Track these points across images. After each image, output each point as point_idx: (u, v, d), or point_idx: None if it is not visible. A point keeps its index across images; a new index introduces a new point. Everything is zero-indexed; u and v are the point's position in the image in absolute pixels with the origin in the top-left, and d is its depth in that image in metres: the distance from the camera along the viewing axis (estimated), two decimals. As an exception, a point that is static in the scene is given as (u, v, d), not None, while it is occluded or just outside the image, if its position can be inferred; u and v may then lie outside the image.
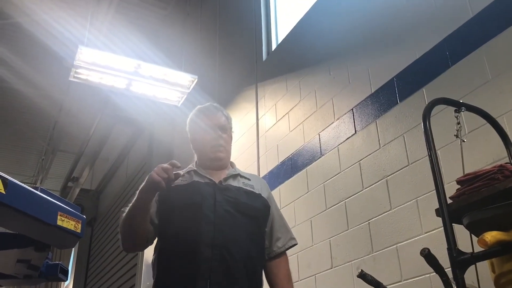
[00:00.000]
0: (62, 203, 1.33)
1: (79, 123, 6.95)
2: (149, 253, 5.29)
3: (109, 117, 6.17)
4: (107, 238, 7.27)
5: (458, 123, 1.73)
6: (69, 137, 7.81)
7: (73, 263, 8.84)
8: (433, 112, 1.72)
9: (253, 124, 4.05)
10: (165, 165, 1.59)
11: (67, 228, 1.29)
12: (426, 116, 1.66)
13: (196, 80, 4.41)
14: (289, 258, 1.92)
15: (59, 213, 1.28)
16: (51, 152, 8.08)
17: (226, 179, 1.84)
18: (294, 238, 1.92)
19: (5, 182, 1.11)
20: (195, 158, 1.96)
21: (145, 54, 4.40)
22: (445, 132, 2.11)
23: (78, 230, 1.34)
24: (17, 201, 1.13)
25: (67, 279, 1.68)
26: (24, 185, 1.19)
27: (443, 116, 2.15)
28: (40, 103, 7.06)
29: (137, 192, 1.66)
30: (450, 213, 1.46)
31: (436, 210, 1.53)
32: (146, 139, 6.22)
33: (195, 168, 1.88)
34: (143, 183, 1.64)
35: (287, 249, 1.89)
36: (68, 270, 1.71)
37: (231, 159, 2.00)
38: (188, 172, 1.87)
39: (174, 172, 1.59)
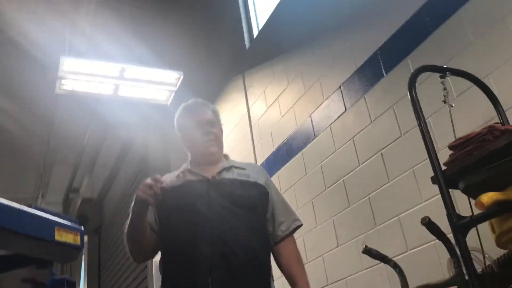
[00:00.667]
0: (58, 218, 1.32)
1: (72, 134, 6.91)
2: (158, 254, 5.30)
3: (101, 125, 6.15)
4: (115, 244, 7.29)
5: (445, 89, 1.73)
6: (64, 149, 7.78)
7: (84, 274, 8.86)
8: (419, 80, 1.72)
9: (244, 113, 4.04)
10: (148, 180, 1.59)
11: (66, 242, 1.29)
12: (412, 85, 1.66)
13: (182, 76, 4.38)
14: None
15: (56, 228, 1.27)
16: (48, 166, 8.05)
17: (219, 173, 1.82)
18: (298, 219, 1.89)
19: (-4, 204, 1.10)
20: (189, 157, 1.95)
21: (130, 54, 4.36)
22: (433, 99, 2.10)
23: (78, 242, 1.34)
24: (7, 221, 1.13)
25: (75, 291, 1.68)
26: (16, 205, 1.18)
27: (429, 84, 2.14)
28: (30, 119, 7.02)
29: (130, 211, 1.68)
30: (445, 179, 1.47)
31: (432, 178, 1.53)
32: (140, 141, 6.21)
33: (189, 167, 1.87)
34: (133, 203, 1.65)
35: (292, 231, 1.86)
36: (74, 282, 1.71)
37: (226, 152, 1.99)
38: (182, 172, 1.87)
39: (159, 186, 1.58)
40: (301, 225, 1.90)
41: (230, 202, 1.72)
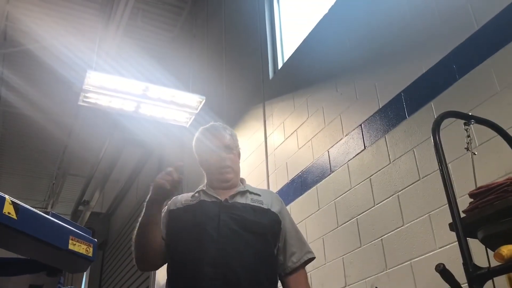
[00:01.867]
0: (73, 227, 1.33)
1: (88, 146, 7.00)
2: (160, 275, 5.26)
3: (118, 140, 6.21)
4: (119, 261, 7.25)
5: (468, 136, 1.72)
6: (79, 161, 7.87)
7: (85, 287, 8.80)
8: (442, 125, 1.71)
9: (261, 142, 4.05)
10: (169, 168, 1.64)
11: (78, 252, 1.29)
12: (436, 129, 1.66)
13: (204, 100, 4.43)
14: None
15: (70, 237, 1.28)
16: (61, 176, 8.13)
17: (233, 196, 1.81)
18: (310, 252, 1.85)
19: (17, 207, 1.12)
20: (205, 179, 1.96)
21: (153, 76, 4.44)
22: (455, 145, 2.10)
23: (90, 254, 1.34)
24: (29, 226, 1.13)
25: (79, 304, 1.67)
26: (36, 210, 1.19)
27: (452, 130, 2.14)
28: (49, 128, 7.13)
29: (144, 204, 1.67)
30: (464, 227, 1.44)
31: (450, 224, 1.51)
32: (155, 160, 6.25)
33: (204, 188, 1.88)
34: (148, 196, 1.66)
35: (304, 263, 1.82)
36: (80, 294, 1.70)
37: (242, 176, 1.99)
38: (198, 192, 1.87)
39: (179, 175, 1.63)
40: (314, 257, 1.86)
41: (240, 226, 1.70)
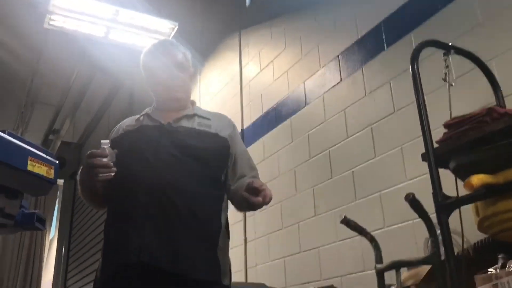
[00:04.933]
0: (33, 148, 1.26)
1: (58, 73, 6.72)
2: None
3: (88, 67, 5.97)
4: (91, 191, 7.24)
5: (447, 67, 1.68)
6: (48, 88, 7.58)
7: (57, 216, 8.83)
8: (420, 57, 1.66)
9: (236, 73, 3.95)
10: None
11: (38, 173, 1.23)
12: (415, 58, 1.61)
13: (177, 27, 4.24)
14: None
15: (29, 158, 1.21)
16: (30, 105, 7.87)
17: (178, 120, 1.69)
18: (257, 177, 1.71)
19: (-33, 123, 1.03)
20: (154, 100, 1.82)
21: (125, 0, 4.19)
22: (432, 78, 2.05)
23: (51, 176, 1.28)
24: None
25: (44, 228, 1.62)
26: (-11, 128, 1.11)
27: (430, 62, 2.08)
28: (17, 54, 6.80)
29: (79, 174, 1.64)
30: (436, 157, 1.44)
31: (422, 154, 1.50)
32: (127, 90, 6.08)
33: (149, 112, 1.76)
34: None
35: None
36: (45, 219, 1.65)
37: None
38: (142, 116, 1.75)
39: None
40: None
41: (180, 151, 1.58)
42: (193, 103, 1.82)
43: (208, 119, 1.73)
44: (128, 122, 1.77)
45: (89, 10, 4.02)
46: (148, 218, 1.48)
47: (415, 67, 1.58)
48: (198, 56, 4.44)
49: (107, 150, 1.55)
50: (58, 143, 7.48)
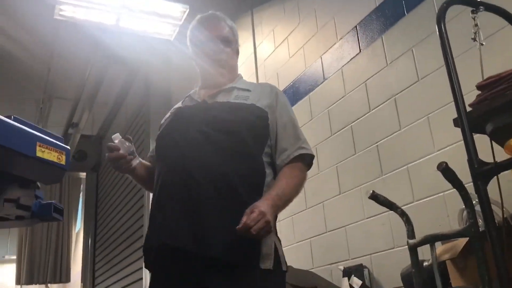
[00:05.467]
0: (41, 133, 1.19)
1: (72, 67, 6.72)
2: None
3: (102, 58, 5.93)
4: (113, 182, 7.27)
5: (476, 25, 1.56)
6: (64, 83, 7.60)
7: (82, 210, 8.92)
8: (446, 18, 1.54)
9: (250, 53, 3.85)
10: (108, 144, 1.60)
11: (49, 159, 1.17)
12: (441, 18, 1.49)
13: (188, 10, 4.15)
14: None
15: (38, 143, 1.14)
16: (48, 100, 7.91)
17: (214, 95, 1.64)
18: (304, 147, 1.55)
19: (-32, 109, 0.97)
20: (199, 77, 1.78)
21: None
22: (458, 41, 1.93)
23: (62, 162, 1.21)
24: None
25: (62, 219, 1.57)
26: (-8, 113, 1.05)
27: (455, 24, 1.96)
28: (31, 50, 6.81)
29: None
30: (470, 121, 1.33)
31: (455, 119, 1.39)
32: (142, 79, 6.03)
33: (191, 92, 1.73)
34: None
35: (295, 160, 1.53)
36: (62, 209, 1.60)
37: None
38: (186, 97, 1.74)
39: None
40: (309, 154, 1.57)
41: (211, 127, 1.50)
42: (239, 76, 1.74)
43: (248, 90, 1.63)
44: (175, 106, 1.76)
45: (98, -2, 3.96)
46: (172, 199, 1.44)
47: (442, 28, 1.47)
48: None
49: (117, 142, 1.59)
50: (78, 137, 7.51)
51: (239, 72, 1.77)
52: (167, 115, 1.74)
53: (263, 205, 1.32)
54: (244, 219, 1.27)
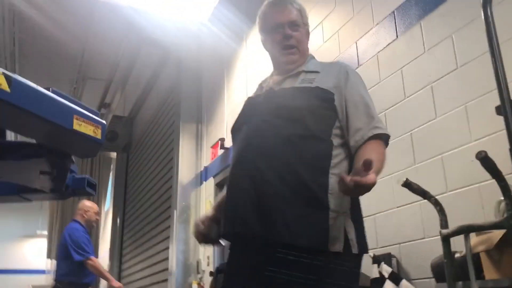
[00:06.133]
0: (79, 107, 1.21)
1: (106, 47, 6.80)
2: (183, 174, 5.32)
3: (136, 40, 5.99)
4: (142, 163, 7.38)
5: (523, 10, 1.49)
6: (98, 64, 7.72)
7: (111, 189, 9.10)
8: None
9: (284, 37, 3.81)
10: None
11: (85, 133, 1.18)
12: (487, 1, 1.44)
13: (222, -8, 4.14)
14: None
15: (75, 116, 1.16)
16: (81, 80, 8.04)
17: (281, 82, 1.64)
18: (379, 127, 1.49)
19: (9, 79, 0.99)
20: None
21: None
22: (504, 27, 1.86)
23: (98, 136, 1.23)
24: (25, 100, 1.01)
25: (95, 193, 1.60)
26: (33, 85, 1.07)
27: (501, 9, 1.88)
28: (67, 29, 6.92)
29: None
30: (513, 110, 1.28)
31: (497, 107, 1.35)
32: (174, 61, 6.07)
33: (262, 80, 1.77)
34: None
35: (368, 139, 1.47)
36: (95, 184, 1.63)
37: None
38: (258, 85, 1.77)
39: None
40: (384, 134, 1.50)
41: (274, 114, 1.50)
42: (309, 58, 1.72)
43: (317, 72, 1.61)
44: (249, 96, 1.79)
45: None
46: (241, 190, 1.47)
47: (488, 11, 1.41)
48: (244, 19, 4.31)
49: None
50: (110, 117, 7.64)
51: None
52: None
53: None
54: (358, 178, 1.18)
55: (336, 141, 1.49)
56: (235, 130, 1.67)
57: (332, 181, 1.41)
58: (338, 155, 1.48)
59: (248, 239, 1.45)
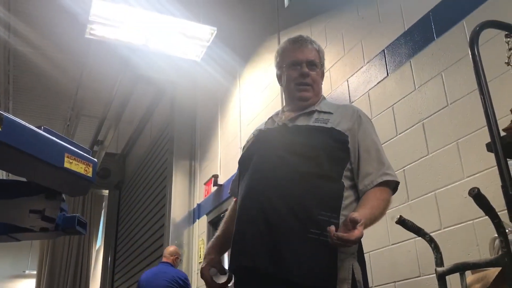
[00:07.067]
0: (70, 145, 1.20)
1: (100, 86, 6.86)
2: (176, 212, 5.27)
3: (130, 78, 6.06)
4: (135, 200, 7.31)
5: (510, 49, 1.53)
6: (92, 101, 7.76)
7: (103, 227, 8.98)
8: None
9: (276, 75, 3.86)
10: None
11: (76, 171, 1.17)
12: (474, 41, 1.47)
13: (215, 32, 4.21)
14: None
15: (66, 154, 1.15)
16: (75, 117, 8.06)
17: (294, 119, 1.64)
18: (389, 174, 1.51)
19: (0, 118, 0.98)
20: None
21: (162, 6, 4.20)
22: (491, 66, 1.90)
23: (89, 174, 1.21)
24: (15, 139, 1.01)
25: (85, 232, 1.57)
26: (25, 123, 1.06)
27: (488, 48, 1.93)
28: (62, 67, 6.98)
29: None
30: (504, 146, 1.29)
31: (487, 144, 1.36)
32: (168, 98, 6.12)
33: (273, 114, 1.77)
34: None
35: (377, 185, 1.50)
36: (86, 223, 1.60)
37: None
38: (268, 120, 1.77)
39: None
40: (394, 180, 1.53)
41: (288, 151, 1.51)
42: (321, 98, 1.73)
43: (330, 113, 1.62)
44: (257, 127, 1.78)
45: (129, 18, 4.05)
46: (250, 222, 1.45)
47: (475, 51, 1.44)
48: (237, 59, 4.38)
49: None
50: (103, 154, 7.62)
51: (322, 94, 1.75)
52: (250, 137, 1.75)
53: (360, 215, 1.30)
54: (342, 232, 1.27)
55: (346, 182, 1.51)
56: (244, 161, 1.65)
57: (342, 222, 1.40)
58: (348, 196, 1.50)
59: (255, 273, 1.42)
